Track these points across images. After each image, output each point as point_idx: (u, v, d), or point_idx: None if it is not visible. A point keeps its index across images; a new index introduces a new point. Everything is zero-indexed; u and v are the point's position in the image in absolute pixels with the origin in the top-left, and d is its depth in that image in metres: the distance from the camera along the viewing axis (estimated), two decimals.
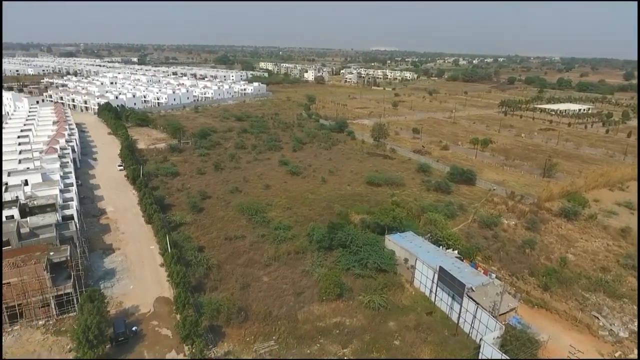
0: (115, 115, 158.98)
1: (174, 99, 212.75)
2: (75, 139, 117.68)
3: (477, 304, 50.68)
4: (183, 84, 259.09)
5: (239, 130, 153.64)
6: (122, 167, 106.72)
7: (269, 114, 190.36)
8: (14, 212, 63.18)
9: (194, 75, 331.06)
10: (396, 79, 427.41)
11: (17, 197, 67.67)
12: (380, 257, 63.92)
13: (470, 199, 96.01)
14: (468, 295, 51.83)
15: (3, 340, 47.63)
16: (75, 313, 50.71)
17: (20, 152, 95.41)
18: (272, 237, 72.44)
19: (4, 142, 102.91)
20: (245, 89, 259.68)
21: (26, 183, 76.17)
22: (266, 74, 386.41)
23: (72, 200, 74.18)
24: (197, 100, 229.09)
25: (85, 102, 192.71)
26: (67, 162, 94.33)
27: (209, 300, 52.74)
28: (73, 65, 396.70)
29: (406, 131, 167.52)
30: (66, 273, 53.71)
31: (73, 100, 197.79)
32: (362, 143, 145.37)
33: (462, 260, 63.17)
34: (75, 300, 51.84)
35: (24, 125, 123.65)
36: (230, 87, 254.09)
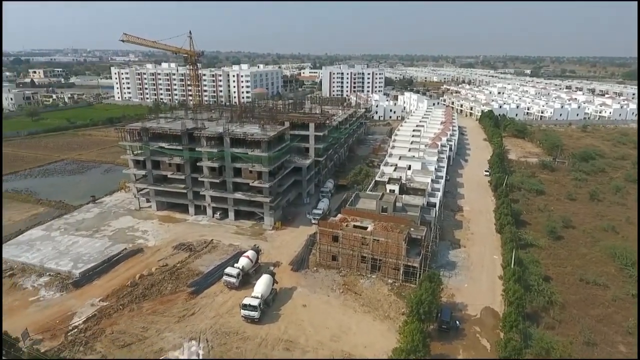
0: (494, 123, 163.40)
1: (560, 114, 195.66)
2: (454, 140, 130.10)
3: None
4: (575, 99, 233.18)
5: (636, 160, 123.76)
6: (487, 173, 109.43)
7: None
8: (396, 187, 77.75)
9: (592, 91, 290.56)
10: None
11: (400, 177, 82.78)
12: None
13: None
14: None
15: (361, 283, 60.55)
16: (415, 286, 57.55)
17: (411, 142, 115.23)
18: None
19: (404, 132, 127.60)
20: None
21: (409, 168, 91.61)
22: None
23: (439, 191, 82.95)
24: (588, 118, 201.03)
25: (471, 109, 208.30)
26: (443, 158, 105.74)
27: (542, 336, 46.94)
28: (469, 75, 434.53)
29: None
30: (417, 250, 61.38)
31: (461, 106, 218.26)
32: None
33: None
34: (417, 275, 58.74)
35: (419, 121, 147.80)
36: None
